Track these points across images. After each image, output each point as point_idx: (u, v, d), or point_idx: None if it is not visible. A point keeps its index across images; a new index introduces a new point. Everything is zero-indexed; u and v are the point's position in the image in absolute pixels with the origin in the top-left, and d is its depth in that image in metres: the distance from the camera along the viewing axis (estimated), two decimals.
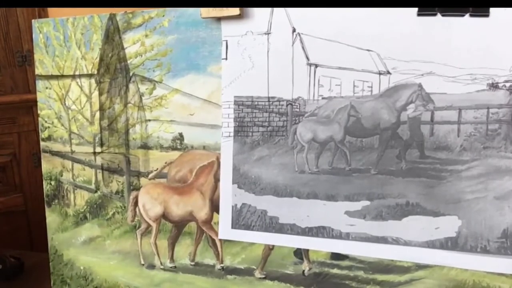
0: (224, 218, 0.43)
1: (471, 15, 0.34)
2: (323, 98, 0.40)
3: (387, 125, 0.38)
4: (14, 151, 1.81)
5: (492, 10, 0.34)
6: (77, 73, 0.48)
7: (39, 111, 0.51)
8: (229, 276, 0.45)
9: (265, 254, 0.43)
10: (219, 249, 0.45)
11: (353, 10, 0.37)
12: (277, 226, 0.42)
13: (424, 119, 0.37)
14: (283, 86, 0.40)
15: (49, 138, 0.51)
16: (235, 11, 0.39)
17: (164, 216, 0.47)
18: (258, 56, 0.40)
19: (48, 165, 0.52)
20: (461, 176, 0.36)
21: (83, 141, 0.49)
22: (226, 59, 0.41)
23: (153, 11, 0.44)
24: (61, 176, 0.51)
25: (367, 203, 0.39)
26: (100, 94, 0.48)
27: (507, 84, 0.34)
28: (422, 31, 0.36)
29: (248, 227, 0.43)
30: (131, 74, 0.46)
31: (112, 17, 0.46)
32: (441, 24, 0.35)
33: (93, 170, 0.49)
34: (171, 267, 0.47)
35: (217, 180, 0.43)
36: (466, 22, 0.35)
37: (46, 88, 0.50)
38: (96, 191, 0.50)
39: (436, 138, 0.37)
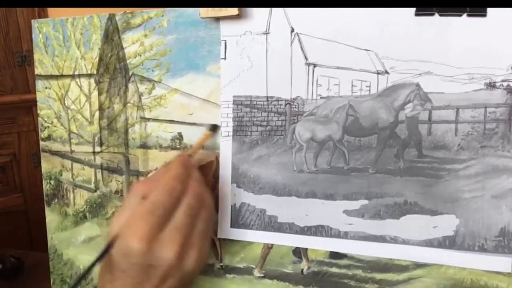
0: (223, 217, 0.43)
1: (468, 15, 0.35)
2: (321, 98, 0.40)
3: (385, 124, 0.38)
4: (14, 151, 1.82)
5: (490, 10, 0.34)
6: (76, 73, 0.48)
7: (38, 111, 0.51)
8: (228, 275, 0.45)
9: (264, 253, 0.43)
10: (218, 248, 0.45)
11: (351, 10, 0.37)
12: (276, 225, 0.42)
13: (422, 119, 0.37)
14: (281, 85, 0.40)
15: (48, 137, 0.51)
16: (234, 11, 0.39)
17: None
18: (257, 56, 0.40)
19: (47, 164, 0.52)
20: (458, 175, 0.36)
21: (83, 141, 0.49)
22: (225, 59, 0.42)
23: (152, 11, 0.44)
24: (61, 175, 0.51)
25: (366, 202, 0.39)
26: (100, 94, 0.48)
27: (504, 84, 0.35)
28: (420, 31, 0.36)
29: (247, 226, 0.43)
30: (130, 74, 0.46)
31: (111, 17, 0.46)
32: (438, 24, 0.35)
33: (92, 170, 0.49)
34: None
35: (216, 179, 0.44)
36: (463, 22, 0.35)
37: (46, 88, 0.50)
38: (95, 191, 0.50)
39: (433, 137, 0.37)
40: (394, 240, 0.38)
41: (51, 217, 0.52)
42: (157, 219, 0.36)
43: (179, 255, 0.36)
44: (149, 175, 0.45)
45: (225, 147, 0.42)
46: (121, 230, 0.36)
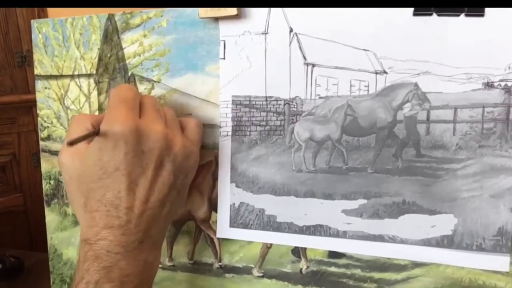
0: (222, 216, 0.44)
1: (466, 15, 0.35)
2: (320, 98, 0.40)
3: (383, 124, 0.38)
4: (13, 151, 1.82)
5: (488, 10, 0.34)
6: (76, 73, 0.48)
7: (38, 111, 0.51)
8: (227, 275, 0.45)
9: (263, 252, 0.43)
10: (217, 247, 0.45)
11: (349, 10, 0.37)
12: (275, 224, 0.42)
13: (420, 118, 0.37)
14: (280, 85, 0.40)
15: (48, 137, 0.51)
16: (233, 11, 0.39)
17: None
18: (256, 56, 0.41)
19: (47, 164, 0.52)
20: (457, 175, 0.36)
21: None
22: (224, 59, 0.42)
23: (152, 11, 0.44)
24: (60, 175, 0.51)
25: (364, 201, 0.39)
26: (99, 94, 0.48)
27: (502, 83, 0.35)
28: (418, 31, 0.36)
29: (246, 225, 0.43)
30: (129, 74, 0.46)
31: (110, 18, 0.46)
32: (436, 24, 0.35)
33: None
34: (169, 266, 0.47)
35: (215, 179, 0.44)
36: (461, 22, 0.35)
37: (45, 88, 0.50)
38: None
39: (432, 137, 0.37)
40: (393, 239, 0.39)
41: (51, 217, 0.52)
42: (131, 104, 0.36)
43: (166, 133, 0.36)
44: None
45: (224, 146, 0.43)
46: (102, 126, 0.35)
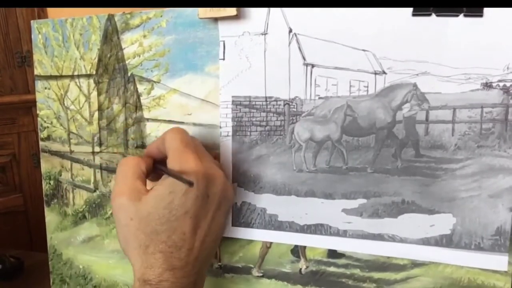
0: None
1: (465, 15, 0.35)
2: (319, 98, 0.40)
3: (383, 124, 0.38)
4: (13, 152, 1.82)
5: (486, 10, 0.34)
6: (75, 73, 0.49)
7: (38, 111, 0.51)
8: (227, 275, 0.45)
9: (262, 252, 0.44)
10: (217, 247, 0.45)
11: (349, 11, 0.37)
12: (276, 223, 0.42)
13: (419, 119, 0.37)
14: (280, 86, 0.41)
15: (48, 138, 0.51)
16: (232, 11, 0.39)
17: None
18: (255, 56, 0.41)
19: (47, 164, 0.52)
20: (455, 175, 0.37)
21: (82, 141, 0.50)
22: (223, 59, 0.42)
23: (151, 12, 0.44)
24: (60, 175, 0.51)
25: (364, 201, 0.39)
26: (99, 94, 0.48)
27: (501, 84, 0.35)
28: (417, 31, 0.36)
29: (248, 224, 0.43)
30: (129, 74, 0.46)
31: (110, 18, 0.46)
32: (435, 24, 0.36)
33: (91, 170, 0.50)
34: None
35: None
36: (460, 22, 0.35)
37: (45, 88, 0.50)
38: (95, 191, 0.50)
39: (431, 137, 0.37)
40: (392, 238, 0.39)
41: (51, 217, 0.53)
42: (193, 149, 0.37)
43: (224, 178, 0.38)
44: None
45: (225, 147, 0.43)
46: (175, 168, 0.36)
